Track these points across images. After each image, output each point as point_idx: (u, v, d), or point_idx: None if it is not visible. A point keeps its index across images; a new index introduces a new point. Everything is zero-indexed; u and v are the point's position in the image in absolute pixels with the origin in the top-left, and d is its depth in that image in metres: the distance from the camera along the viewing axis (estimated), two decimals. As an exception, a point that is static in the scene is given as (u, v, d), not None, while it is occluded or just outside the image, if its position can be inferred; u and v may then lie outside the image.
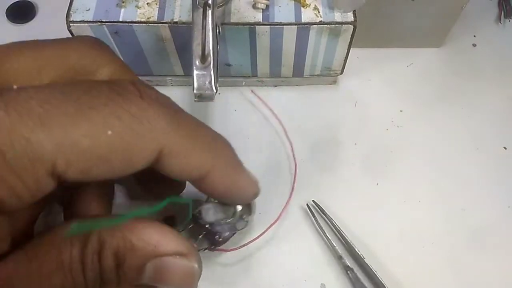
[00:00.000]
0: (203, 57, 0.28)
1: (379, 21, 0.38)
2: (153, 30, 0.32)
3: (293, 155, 0.36)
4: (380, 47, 0.42)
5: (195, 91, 0.28)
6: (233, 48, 0.34)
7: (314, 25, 0.32)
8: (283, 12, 0.32)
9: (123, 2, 0.33)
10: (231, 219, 0.27)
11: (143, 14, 0.32)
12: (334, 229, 0.33)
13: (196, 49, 0.28)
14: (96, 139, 0.16)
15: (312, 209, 0.33)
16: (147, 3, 0.33)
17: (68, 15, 0.32)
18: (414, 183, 0.35)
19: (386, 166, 0.36)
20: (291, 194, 0.34)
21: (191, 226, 0.28)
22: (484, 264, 0.32)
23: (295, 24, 0.32)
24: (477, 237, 0.33)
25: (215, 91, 0.28)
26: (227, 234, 0.28)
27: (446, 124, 0.38)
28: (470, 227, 0.34)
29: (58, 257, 0.17)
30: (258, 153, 0.37)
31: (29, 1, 0.44)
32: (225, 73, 0.37)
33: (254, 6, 0.32)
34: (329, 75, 0.38)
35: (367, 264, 0.31)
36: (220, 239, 0.28)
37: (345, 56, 0.36)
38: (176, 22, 0.32)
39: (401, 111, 0.39)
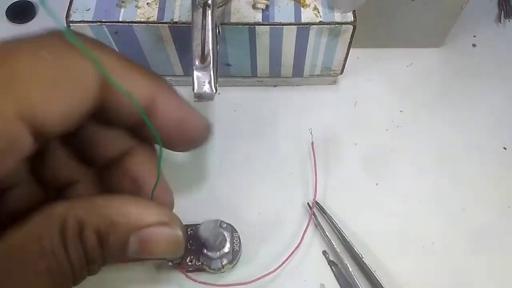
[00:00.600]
0: (203, 57, 0.28)
1: (379, 21, 0.38)
2: (153, 30, 0.32)
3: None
4: (380, 47, 0.42)
5: (195, 91, 0.28)
6: (233, 48, 0.34)
7: (314, 25, 0.32)
8: (283, 12, 0.32)
9: (123, 2, 0.33)
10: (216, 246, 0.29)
11: (143, 14, 0.32)
12: (334, 229, 0.33)
13: (196, 49, 0.28)
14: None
15: (313, 209, 0.33)
16: (147, 3, 0.33)
17: (68, 15, 0.32)
18: (414, 183, 0.35)
19: (386, 166, 0.36)
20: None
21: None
22: (484, 264, 0.32)
23: (295, 24, 0.32)
24: (477, 237, 0.33)
25: (215, 91, 0.28)
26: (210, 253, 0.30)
27: (446, 124, 0.38)
28: (470, 227, 0.34)
29: (39, 244, 0.17)
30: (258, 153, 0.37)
31: (29, 1, 0.44)
32: (225, 73, 0.37)
33: (254, 6, 0.32)
34: (329, 75, 0.38)
35: (365, 264, 0.31)
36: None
37: (345, 56, 0.36)
38: (176, 22, 0.32)
39: (401, 111, 0.39)
